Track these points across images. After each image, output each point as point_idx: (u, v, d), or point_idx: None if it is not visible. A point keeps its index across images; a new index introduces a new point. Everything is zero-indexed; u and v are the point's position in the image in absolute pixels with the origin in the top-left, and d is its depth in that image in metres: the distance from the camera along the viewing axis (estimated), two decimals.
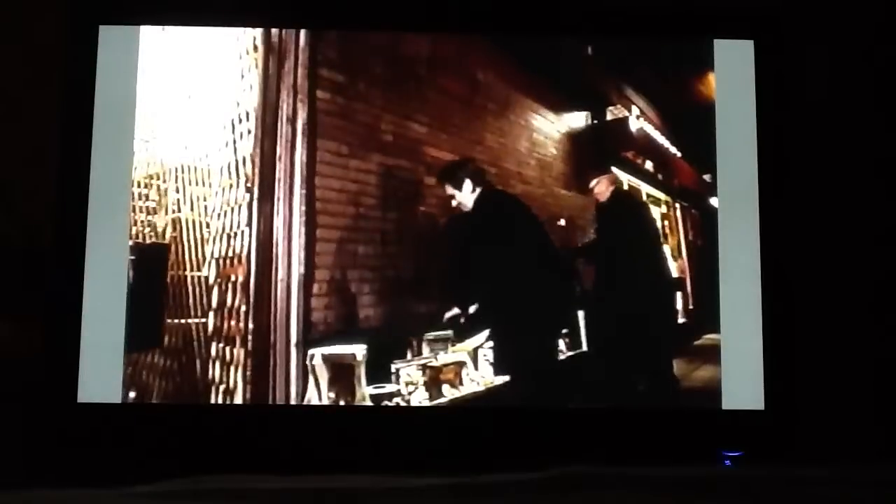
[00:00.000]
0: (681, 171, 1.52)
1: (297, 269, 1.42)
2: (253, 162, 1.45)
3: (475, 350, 1.45)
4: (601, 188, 1.51)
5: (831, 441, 1.39)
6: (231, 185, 1.44)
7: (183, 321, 1.40)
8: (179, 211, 1.43)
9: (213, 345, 1.40)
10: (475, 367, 1.45)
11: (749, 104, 1.44)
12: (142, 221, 1.41)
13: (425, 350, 1.44)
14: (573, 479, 1.16)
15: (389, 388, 1.40)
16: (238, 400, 1.39)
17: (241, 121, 1.45)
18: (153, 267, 1.40)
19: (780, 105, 1.44)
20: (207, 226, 1.44)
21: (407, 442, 1.36)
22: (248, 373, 1.40)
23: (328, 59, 1.45)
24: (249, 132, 1.45)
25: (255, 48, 1.46)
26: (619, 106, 1.52)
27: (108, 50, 1.41)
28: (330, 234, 1.44)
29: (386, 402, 1.40)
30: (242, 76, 1.46)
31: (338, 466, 1.22)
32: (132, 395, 1.37)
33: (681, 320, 1.48)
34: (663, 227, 1.56)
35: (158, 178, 1.43)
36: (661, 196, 1.55)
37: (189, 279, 1.43)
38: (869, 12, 1.52)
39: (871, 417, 1.42)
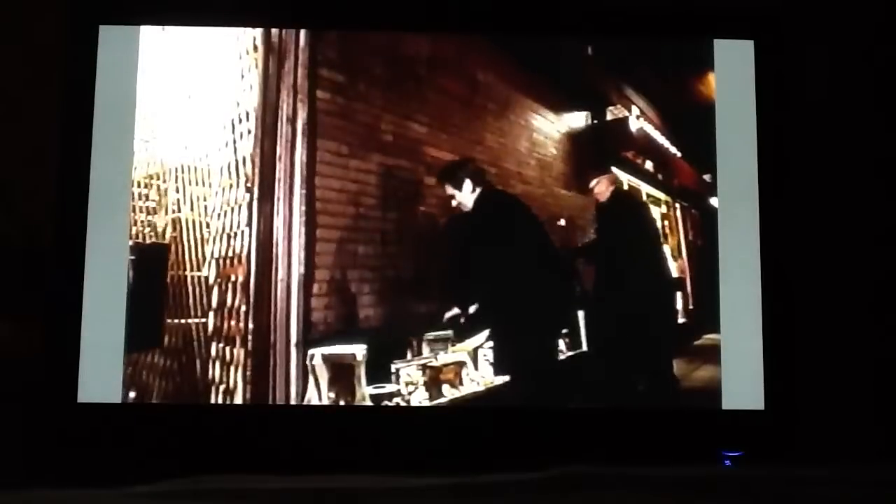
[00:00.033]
0: (681, 171, 1.52)
1: (297, 269, 1.42)
2: (253, 162, 1.45)
3: (475, 350, 1.45)
4: (601, 188, 1.51)
5: (831, 441, 1.39)
6: (231, 185, 1.44)
7: (183, 321, 1.40)
8: (179, 211, 1.43)
9: (213, 345, 1.40)
10: (475, 367, 1.45)
11: (749, 104, 1.44)
12: (142, 221, 1.41)
13: (425, 350, 1.44)
14: (573, 479, 1.16)
15: (389, 388, 1.40)
16: (238, 400, 1.39)
17: (241, 121, 1.45)
18: (153, 267, 1.40)
19: (780, 105, 1.44)
20: (207, 226, 1.44)
21: (407, 442, 1.36)
22: (248, 373, 1.40)
23: (328, 60, 1.45)
24: (249, 132, 1.45)
25: (255, 48, 1.46)
26: (619, 106, 1.52)
27: (108, 50, 1.41)
28: (330, 234, 1.44)
29: (386, 402, 1.40)
30: (242, 76, 1.46)
31: (338, 466, 1.22)
32: (132, 395, 1.37)
33: (681, 320, 1.48)
34: (663, 227, 1.56)
35: (158, 178, 1.43)
36: (661, 196, 1.55)
37: (189, 279, 1.43)
38: (869, 12, 1.52)
39: (871, 417, 1.42)
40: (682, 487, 1.16)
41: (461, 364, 1.45)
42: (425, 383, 1.42)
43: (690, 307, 1.48)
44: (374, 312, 1.43)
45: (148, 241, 1.41)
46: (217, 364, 1.40)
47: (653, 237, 1.52)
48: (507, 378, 1.43)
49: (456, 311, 1.44)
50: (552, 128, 1.53)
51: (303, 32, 1.45)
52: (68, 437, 1.34)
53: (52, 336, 1.35)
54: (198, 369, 1.40)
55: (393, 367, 1.41)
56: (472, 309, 1.44)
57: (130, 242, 1.39)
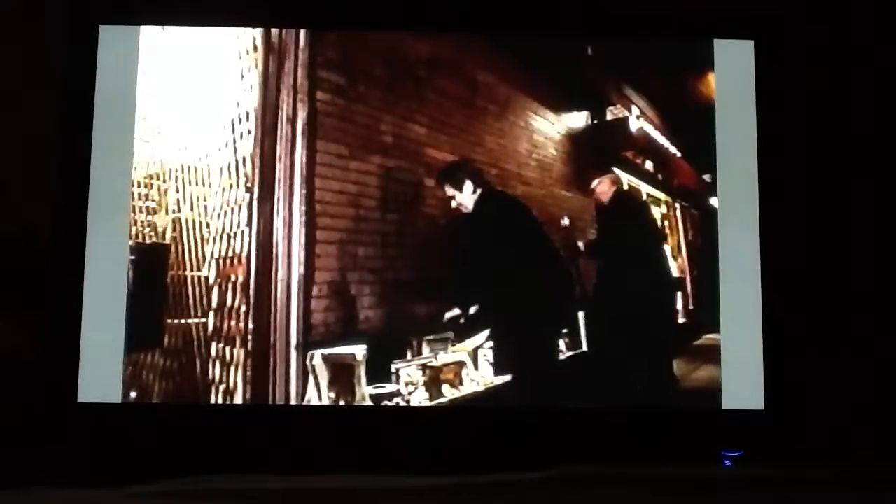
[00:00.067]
0: (681, 171, 1.52)
1: (297, 269, 1.42)
2: (253, 162, 1.45)
3: (475, 350, 1.45)
4: (603, 188, 1.51)
5: (831, 441, 1.39)
6: (231, 185, 1.44)
7: (183, 321, 1.40)
8: (179, 211, 1.43)
9: (213, 345, 1.40)
10: (475, 367, 1.45)
11: (749, 104, 1.44)
12: (142, 221, 1.41)
13: (425, 350, 1.44)
14: (573, 479, 1.16)
15: (389, 388, 1.40)
16: (238, 400, 1.39)
17: (241, 121, 1.45)
18: (153, 267, 1.40)
19: (780, 105, 1.44)
20: (207, 226, 1.44)
21: (407, 442, 1.36)
22: (248, 373, 1.40)
23: (328, 61, 1.45)
24: (249, 132, 1.45)
25: (255, 48, 1.46)
26: (619, 106, 1.52)
27: (108, 50, 1.41)
28: (330, 235, 1.44)
29: (386, 402, 1.40)
30: (242, 76, 1.46)
31: (338, 466, 1.22)
32: (132, 395, 1.37)
33: (681, 320, 1.48)
34: (663, 227, 1.56)
35: (158, 178, 1.43)
36: (661, 196, 1.55)
37: (189, 279, 1.43)
38: (869, 12, 1.52)
39: (870, 417, 1.42)
40: (682, 487, 1.16)
41: (461, 364, 1.45)
42: (425, 383, 1.42)
43: (690, 307, 1.48)
44: (374, 314, 1.43)
45: (148, 241, 1.41)
46: (217, 364, 1.40)
47: (654, 237, 1.53)
48: (507, 378, 1.43)
49: (456, 311, 1.44)
50: (552, 128, 1.53)
51: (303, 32, 1.45)
52: (68, 437, 1.34)
53: (52, 336, 1.35)
54: (198, 369, 1.40)
55: (393, 367, 1.41)
56: (472, 310, 1.44)
57: (130, 242, 1.39)
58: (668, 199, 1.56)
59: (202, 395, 1.39)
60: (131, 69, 1.42)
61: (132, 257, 1.38)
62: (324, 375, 1.39)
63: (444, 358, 1.44)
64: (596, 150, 1.53)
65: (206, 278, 1.43)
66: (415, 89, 1.46)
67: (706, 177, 1.46)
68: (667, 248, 1.53)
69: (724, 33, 1.47)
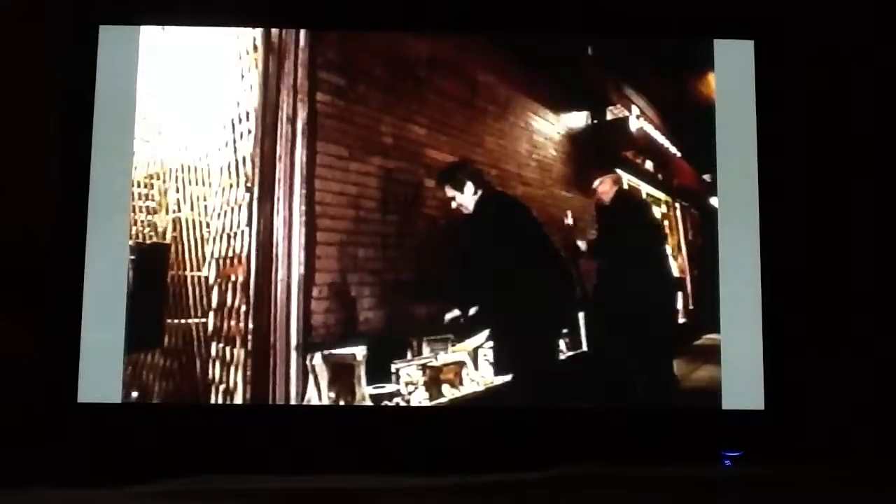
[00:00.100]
0: (681, 171, 1.52)
1: (297, 269, 1.42)
2: (253, 162, 1.45)
3: (475, 350, 1.45)
4: (605, 188, 1.51)
5: (831, 441, 1.39)
6: (231, 185, 1.44)
7: (183, 321, 1.40)
8: (179, 211, 1.43)
9: (213, 345, 1.40)
10: (475, 367, 1.45)
11: (749, 104, 1.44)
12: (142, 221, 1.41)
13: (425, 350, 1.44)
14: (573, 479, 1.16)
15: (389, 388, 1.40)
16: (238, 400, 1.39)
17: (241, 121, 1.45)
18: (153, 267, 1.40)
19: (780, 105, 1.44)
20: (207, 226, 1.44)
21: (407, 442, 1.36)
22: (248, 373, 1.40)
23: (328, 62, 1.45)
24: (249, 132, 1.45)
25: (255, 48, 1.46)
26: (619, 106, 1.52)
27: (108, 50, 1.41)
28: (330, 237, 1.44)
29: (386, 402, 1.40)
30: (242, 76, 1.46)
31: (338, 466, 1.22)
32: (132, 395, 1.37)
33: (681, 320, 1.48)
34: (663, 226, 1.56)
35: (158, 178, 1.43)
36: (661, 196, 1.55)
37: (189, 279, 1.43)
38: (869, 12, 1.52)
39: (870, 417, 1.42)
40: (682, 487, 1.16)
41: (461, 364, 1.45)
42: (425, 383, 1.42)
43: (690, 307, 1.48)
44: (374, 315, 1.43)
45: (148, 241, 1.41)
46: (217, 364, 1.40)
47: (656, 237, 1.52)
48: (507, 378, 1.43)
49: (456, 312, 1.44)
50: (552, 129, 1.53)
51: (303, 32, 1.45)
52: (68, 437, 1.34)
53: (52, 336, 1.35)
54: (198, 369, 1.40)
55: (393, 367, 1.41)
56: (472, 310, 1.44)
57: (130, 242, 1.39)
58: (668, 199, 1.56)
59: (202, 395, 1.39)
60: (131, 69, 1.42)
61: (132, 257, 1.38)
62: (324, 375, 1.39)
63: (444, 358, 1.44)
64: (596, 150, 1.53)
65: (206, 278, 1.43)
66: (415, 90, 1.46)
67: (706, 177, 1.46)
68: (667, 248, 1.53)
69: (724, 33, 1.47)
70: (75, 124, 1.39)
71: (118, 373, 1.36)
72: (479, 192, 1.47)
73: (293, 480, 1.16)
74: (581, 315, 1.45)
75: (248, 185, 1.44)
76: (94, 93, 1.40)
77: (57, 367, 1.34)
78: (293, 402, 1.39)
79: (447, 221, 1.47)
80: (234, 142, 1.45)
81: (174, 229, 1.42)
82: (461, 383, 1.45)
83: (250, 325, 1.40)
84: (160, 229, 1.42)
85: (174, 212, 1.43)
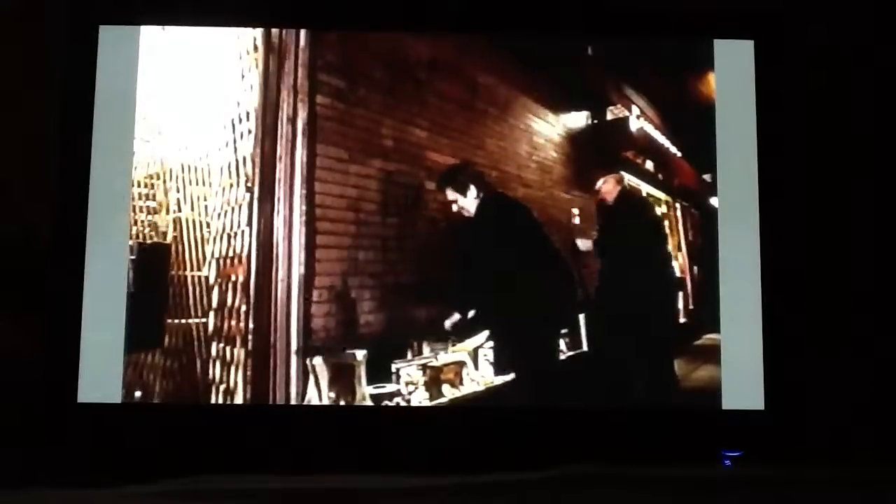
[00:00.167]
0: (681, 171, 1.52)
1: (298, 269, 1.42)
2: (253, 162, 1.45)
3: (475, 350, 1.45)
4: (608, 187, 1.50)
5: (831, 441, 1.39)
6: (231, 185, 1.44)
7: (183, 321, 1.40)
8: (180, 211, 1.43)
9: (214, 345, 1.40)
10: (475, 367, 1.45)
11: (749, 104, 1.44)
12: (142, 221, 1.41)
13: (425, 350, 1.44)
14: (573, 479, 1.16)
15: (389, 388, 1.40)
16: (238, 400, 1.39)
17: (241, 121, 1.45)
18: (153, 267, 1.40)
19: (779, 105, 1.44)
20: (208, 225, 1.44)
21: (407, 442, 1.36)
22: (248, 373, 1.40)
23: (328, 64, 1.45)
24: (250, 132, 1.45)
25: (255, 48, 1.46)
26: (619, 106, 1.52)
27: (108, 50, 1.41)
28: (330, 239, 1.44)
29: (386, 402, 1.40)
30: (242, 76, 1.46)
31: (338, 466, 1.22)
32: (132, 395, 1.37)
33: (681, 320, 1.48)
34: (664, 226, 1.56)
35: (159, 178, 1.43)
36: (662, 196, 1.55)
37: (189, 279, 1.43)
38: (869, 12, 1.52)
39: (870, 417, 1.42)
40: (682, 487, 1.16)
41: (461, 364, 1.45)
42: (425, 383, 1.42)
43: (690, 307, 1.48)
44: (374, 318, 1.43)
45: (148, 241, 1.41)
46: (217, 364, 1.40)
47: (657, 237, 1.52)
48: (507, 378, 1.43)
49: (457, 316, 1.44)
50: (552, 130, 1.53)
51: (303, 32, 1.45)
52: (68, 437, 1.34)
53: (52, 336, 1.35)
54: (198, 369, 1.40)
55: (393, 367, 1.41)
56: (472, 312, 1.44)
57: (131, 242, 1.39)
58: (669, 198, 1.56)
59: (202, 395, 1.39)
60: (131, 69, 1.42)
61: (132, 257, 1.38)
62: (324, 375, 1.39)
63: (444, 358, 1.44)
64: (596, 150, 1.53)
65: (207, 278, 1.43)
66: (415, 92, 1.46)
67: (706, 177, 1.46)
68: (668, 248, 1.53)
69: (724, 33, 1.47)
70: (75, 124, 1.39)
71: (118, 373, 1.36)
72: (481, 195, 1.47)
73: (293, 480, 1.16)
74: (581, 315, 1.45)
75: (249, 184, 1.44)
76: (94, 93, 1.40)
77: (57, 367, 1.34)
78: (293, 402, 1.39)
79: (448, 224, 1.47)
80: (235, 142, 1.45)
81: (174, 229, 1.42)
82: (461, 383, 1.45)
83: (250, 325, 1.40)
84: (160, 229, 1.42)
85: (174, 212, 1.43)
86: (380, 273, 1.43)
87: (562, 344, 1.46)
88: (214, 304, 1.41)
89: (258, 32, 1.46)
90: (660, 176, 1.55)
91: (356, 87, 1.45)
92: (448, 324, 1.44)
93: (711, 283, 1.42)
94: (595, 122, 1.53)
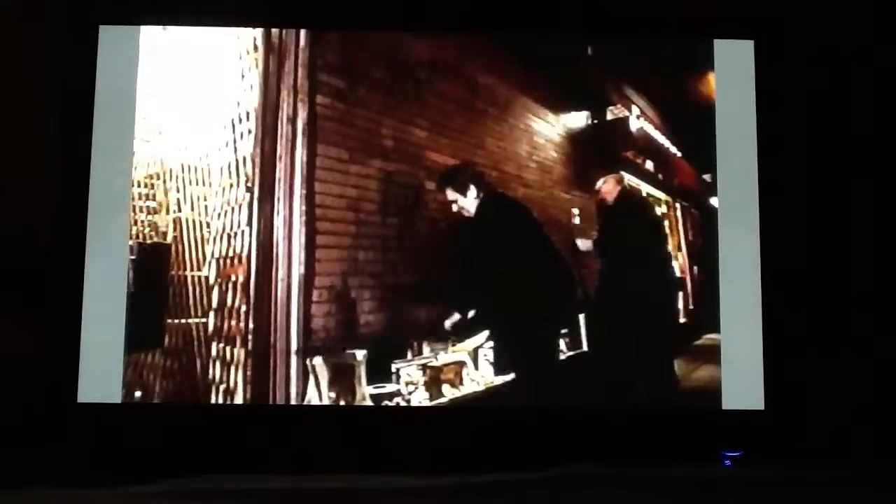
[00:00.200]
0: (681, 171, 1.52)
1: (298, 269, 1.42)
2: (253, 162, 1.45)
3: (475, 350, 1.45)
4: (608, 187, 1.50)
5: (831, 441, 1.39)
6: (231, 185, 1.44)
7: (183, 321, 1.40)
8: (180, 211, 1.43)
9: (214, 345, 1.40)
10: (475, 367, 1.45)
11: (749, 104, 1.44)
12: (142, 221, 1.41)
13: (425, 350, 1.44)
14: (573, 479, 1.16)
15: (389, 388, 1.40)
16: (238, 400, 1.39)
17: (241, 120, 1.45)
18: (153, 267, 1.40)
19: (779, 105, 1.44)
20: (208, 225, 1.44)
21: (407, 442, 1.36)
22: (248, 373, 1.40)
23: (328, 64, 1.45)
24: (250, 132, 1.45)
25: (256, 48, 1.46)
26: (619, 106, 1.52)
27: (108, 50, 1.41)
28: (330, 239, 1.44)
29: (386, 402, 1.40)
30: (243, 76, 1.46)
31: (338, 466, 1.22)
32: (132, 395, 1.37)
33: (681, 320, 1.48)
34: (664, 226, 1.56)
35: (159, 178, 1.43)
36: (662, 196, 1.55)
37: (189, 279, 1.43)
38: (869, 12, 1.52)
39: (870, 417, 1.42)
40: (682, 487, 1.16)
41: (461, 364, 1.45)
42: (425, 383, 1.42)
43: (690, 307, 1.48)
44: (374, 318, 1.43)
45: (148, 241, 1.41)
46: (217, 364, 1.40)
47: (657, 237, 1.52)
48: (507, 378, 1.43)
49: (457, 316, 1.44)
50: (552, 130, 1.53)
51: (303, 33, 1.45)
52: (68, 437, 1.34)
53: (52, 336, 1.35)
54: (198, 369, 1.40)
55: (393, 367, 1.41)
56: (472, 312, 1.44)
57: (131, 242, 1.39)
58: (669, 198, 1.56)
59: (202, 395, 1.39)
60: (131, 69, 1.42)
61: (132, 257, 1.38)
62: (324, 375, 1.39)
63: (444, 358, 1.44)
64: (596, 150, 1.53)
65: (207, 278, 1.43)
66: (415, 92, 1.46)
67: (706, 177, 1.46)
68: (668, 248, 1.53)
69: (724, 33, 1.47)
70: (75, 124, 1.39)
71: (118, 373, 1.36)
72: (481, 195, 1.47)
73: (293, 480, 1.16)
74: (581, 315, 1.45)
75: (249, 184, 1.44)
76: (94, 93, 1.40)
77: (57, 367, 1.34)
78: (293, 402, 1.39)
79: (447, 224, 1.47)
80: (235, 142, 1.45)
81: (174, 229, 1.42)
82: (461, 383, 1.45)
83: (250, 325, 1.40)
84: (160, 229, 1.42)
85: (174, 212, 1.43)
86: (380, 273, 1.43)
87: (562, 344, 1.46)
88: (214, 304, 1.41)
89: (258, 32, 1.46)
90: (660, 176, 1.55)
91: (356, 87, 1.45)
92: (448, 324, 1.44)
93: (711, 283, 1.42)
94: (595, 122, 1.53)
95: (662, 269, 1.49)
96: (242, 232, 1.43)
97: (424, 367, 1.42)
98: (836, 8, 1.51)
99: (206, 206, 1.43)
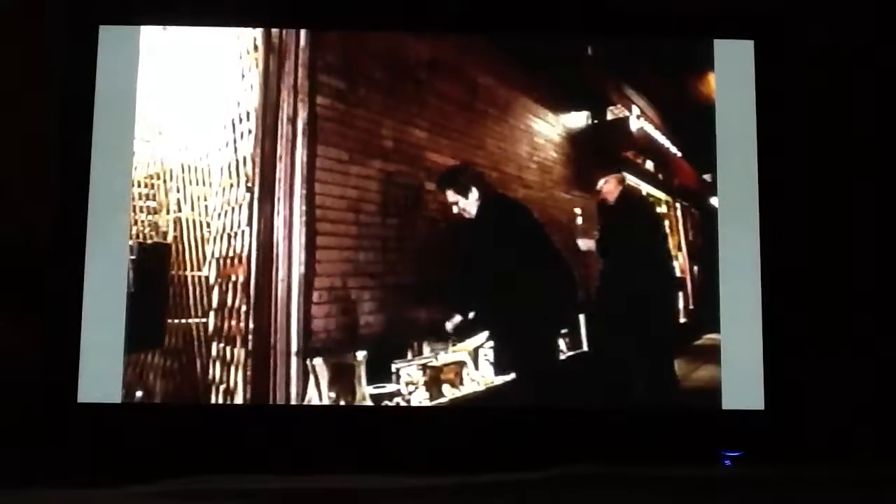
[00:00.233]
0: (681, 171, 1.52)
1: (298, 269, 1.42)
2: (253, 162, 1.45)
3: (475, 350, 1.45)
4: (609, 187, 1.50)
5: (831, 441, 1.39)
6: (231, 185, 1.44)
7: (183, 321, 1.40)
8: (180, 211, 1.43)
9: (214, 345, 1.40)
10: (475, 367, 1.45)
11: (749, 104, 1.44)
12: (142, 221, 1.41)
13: (425, 350, 1.44)
14: (573, 479, 1.16)
15: (389, 388, 1.40)
16: (238, 400, 1.39)
17: (241, 120, 1.45)
18: (153, 267, 1.40)
19: (779, 105, 1.44)
20: (208, 225, 1.44)
21: (407, 442, 1.36)
22: (249, 373, 1.40)
23: (328, 65, 1.45)
24: (250, 132, 1.45)
25: (256, 48, 1.46)
26: (619, 106, 1.52)
27: (108, 50, 1.41)
28: (330, 240, 1.44)
29: (386, 402, 1.40)
30: (243, 76, 1.46)
31: (338, 466, 1.22)
32: (133, 395, 1.37)
33: (681, 320, 1.48)
34: (664, 226, 1.56)
35: (159, 178, 1.43)
36: (662, 196, 1.55)
37: (189, 279, 1.43)
38: (869, 12, 1.52)
39: (870, 417, 1.42)
40: (682, 487, 1.16)
41: (461, 364, 1.45)
42: (425, 383, 1.42)
43: (690, 307, 1.48)
44: (374, 319, 1.43)
45: (148, 241, 1.41)
46: (217, 364, 1.40)
47: (658, 236, 1.52)
48: (507, 378, 1.43)
49: (457, 317, 1.44)
50: (552, 130, 1.53)
51: (303, 33, 1.45)
52: (68, 437, 1.34)
53: (52, 336, 1.35)
54: (198, 369, 1.40)
55: (393, 367, 1.41)
56: (472, 313, 1.44)
57: (131, 242, 1.39)
58: (669, 198, 1.56)
59: (202, 395, 1.39)
60: (131, 69, 1.42)
61: (132, 257, 1.39)
62: (324, 375, 1.39)
63: (444, 358, 1.44)
64: (596, 150, 1.53)
65: (207, 278, 1.43)
66: (415, 92, 1.46)
67: (706, 177, 1.46)
68: (669, 248, 1.53)
69: (724, 33, 1.47)
70: (75, 124, 1.39)
71: (118, 373, 1.36)
72: (482, 197, 1.47)
73: (293, 480, 1.16)
74: (581, 315, 1.45)
75: (249, 184, 1.44)
76: (94, 93, 1.40)
77: (57, 367, 1.34)
78: (293, 402, 1.39)
79: (448, 224, 1.47)
80: (235, 142, 1.45)
81: (174, 229, 1.42)
82: (461, 383, 1.45)
83: (251, 325, 1.40)
84: (160, 229, 1.42)
85: (175, 212, 1.43)
86: (380, 273, 1.43)
87: (562, 344, 1.46)
88: (214, 304, 1.41)
89: (258, 32, 1.46)
90: (660, 176, 1.55)
91: (356, 87, 1.45)
92: (448, 324, 1.44)
93: (711, 283, 1.42)
94: (595, 122, 1.53)
95: (663, 269, 1.49)
96: (242, 232, 1.43)
97: (424, 367, 1.42)
98: (836, 8, 1.51)
99: (206, 206, 1.43)
